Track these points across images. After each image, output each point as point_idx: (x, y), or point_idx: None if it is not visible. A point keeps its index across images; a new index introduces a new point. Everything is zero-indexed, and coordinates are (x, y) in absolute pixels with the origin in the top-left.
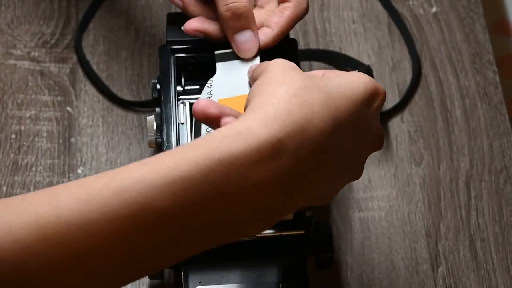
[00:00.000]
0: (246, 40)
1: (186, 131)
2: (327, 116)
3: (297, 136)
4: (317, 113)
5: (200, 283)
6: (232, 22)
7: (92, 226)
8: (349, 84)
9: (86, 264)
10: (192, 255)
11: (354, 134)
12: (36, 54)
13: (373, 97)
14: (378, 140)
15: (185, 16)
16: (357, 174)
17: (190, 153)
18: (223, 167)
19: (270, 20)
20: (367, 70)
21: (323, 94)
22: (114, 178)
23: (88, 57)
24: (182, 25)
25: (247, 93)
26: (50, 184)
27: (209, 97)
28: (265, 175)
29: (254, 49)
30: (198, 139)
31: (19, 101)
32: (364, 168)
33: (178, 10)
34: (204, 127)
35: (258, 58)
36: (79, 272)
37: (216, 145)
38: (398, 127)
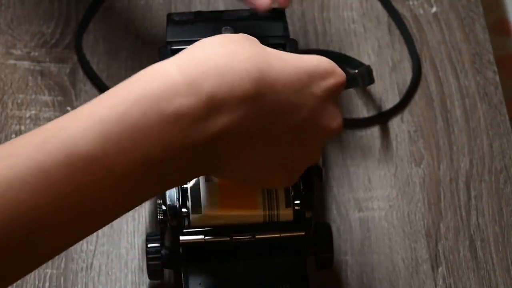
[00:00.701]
0: None
1: None
2: (254, 67)
3: (212, 78)
4: (241, 62)
5: (200, 284)
6: None
7: (19, 180)
8: (298, 56)
9: (26, 218)
10: (132, 206)
11: (297, 107)
12: (36, 54)
13: (324, 75)
14: (334, 124)
15: (185, 15)
16: (311, 157)
17: (107, 98)
18: (138, 105)
19: None
20: (367, 70)
21: (256, 51)
22: (37, 132)
23: (88, 57)
24: (182, 25)
25: None
26: None
27: None
28: (180, 111)
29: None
30: (117, 85)
31: (19, 101)
32: (364, 168)
33: (178, 10)
34: None
35: None
36: (23, 227)
37: (132, 86)
38: (398, 127)
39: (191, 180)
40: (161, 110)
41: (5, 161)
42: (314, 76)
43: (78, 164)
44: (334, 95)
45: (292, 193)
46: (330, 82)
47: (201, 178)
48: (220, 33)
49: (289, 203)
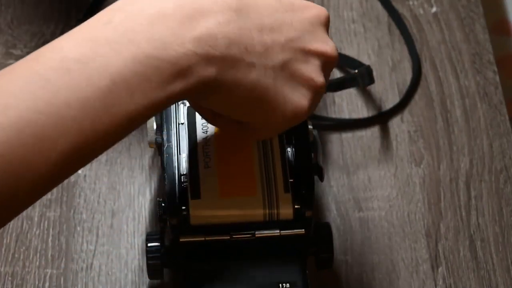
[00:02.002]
0: None
1: (186, 131)
2: None
3: None
4: None
5: (200, 284)
6: None
7: (21, 91)
8: None
9: (30, 128)
10: (133, 118)
11: (284, 24)
12: None
13: (305, 6)
14: (327, 48)
15: None
16: (310, 84)
17: (93, 16)
18: (121, 11)
19: None
20: (367, 70)
21: None
22: (31, 54)
23: None
24: None
25: None
26: None
27: None
28: (163, 11)
29: None
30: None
31: None
32: (364, 168)
33: None
34: (199, 126)
35: None
36: (29, 136)
37: (113, 4)
38: (398, 127)
39: (184, 97)
40: (144, 11)
41: (5, 76)
42: (295, 5)
43: (73, 67)
44: (321, 24)
45: (292, 193)
46: (312, 12)
47: (200, 166)
48: None
49: (287, 189)
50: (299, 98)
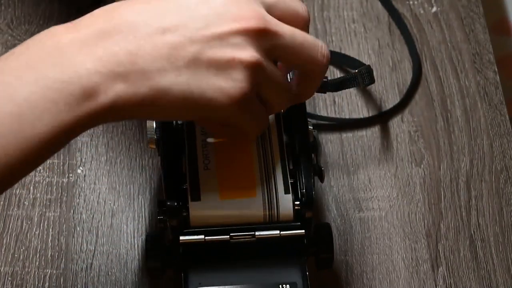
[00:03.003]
0: None
1: (185, 131)
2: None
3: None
4: None
5: (200, 284)
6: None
7: None
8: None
9: None
10: (47, 138)
11: (187, 19)
12: None
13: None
14: (244, 23)
15: None
16: (232, 63)
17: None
18: (29, 44)
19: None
20: (367, 70)
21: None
22: None
23: None
24: None
25: None
26: (50, 184)
27: None
28: (61, 42)
29: None
30: None
31: None
32: (364, 168)
33: None
34: (198, 127)
35: None
36: None
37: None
38: (398, 127)
39: (102, 120)
40: (43, 43)
41: None
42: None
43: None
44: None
45: (292, 194)
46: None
47: (200, 167)
48: None
49: (287, 190)
50: (228, 83)
